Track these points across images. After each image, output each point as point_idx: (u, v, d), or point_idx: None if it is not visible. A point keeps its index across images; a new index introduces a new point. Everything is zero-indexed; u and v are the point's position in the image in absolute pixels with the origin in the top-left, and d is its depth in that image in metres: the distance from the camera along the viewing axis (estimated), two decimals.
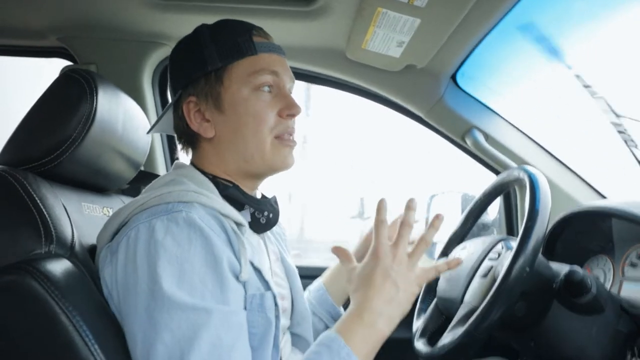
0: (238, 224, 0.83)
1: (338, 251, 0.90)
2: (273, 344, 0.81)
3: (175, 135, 0.96)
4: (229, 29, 0.90)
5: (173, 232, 0.74)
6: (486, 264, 1.00)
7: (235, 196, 0.88)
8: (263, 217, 0.90)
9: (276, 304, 0.83)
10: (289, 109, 0.89)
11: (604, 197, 1.48)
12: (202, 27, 0.92)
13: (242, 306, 0.77)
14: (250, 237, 0.88)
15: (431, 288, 1.23)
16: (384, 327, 0.78)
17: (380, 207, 0.86)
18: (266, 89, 0.88)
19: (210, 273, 0.74)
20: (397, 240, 0.83)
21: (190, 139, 0.92)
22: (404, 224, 0.84)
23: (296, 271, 1.01)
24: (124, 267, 0.75)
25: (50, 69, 1.66)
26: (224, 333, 0.70)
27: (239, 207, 0.88)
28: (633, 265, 1.02)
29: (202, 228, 0.75)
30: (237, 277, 0.77)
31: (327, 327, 1.11)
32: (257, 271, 0.83)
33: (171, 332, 0.68)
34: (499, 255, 1.00)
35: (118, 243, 0.77)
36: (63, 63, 1.57)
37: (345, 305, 1.14)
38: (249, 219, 0.89)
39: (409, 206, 0.86)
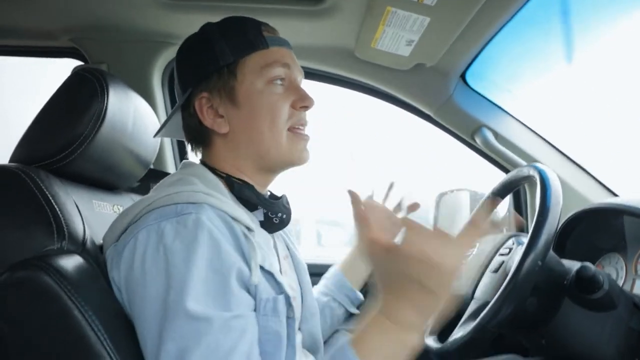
0: (248, 228, 0.82)
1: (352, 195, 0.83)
2: (289, 344, 0.80)
3: (185, 137, 0.95)
4: (238, 25, 0.91)
5: (182, 235, 0.73)
6: (497, 259, 1.00)
7: (249, 198, 0.87)
8: (276, 217, 0.90)
9: (290, 305, 0.82)
10: (302, 101, 0.89)
11: (616, 195, 1.46)
12: (209, 24, 0.92)
13: (248, 310, 0.75)
14: (259, 237, 0.86)
15: None
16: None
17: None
18: (279, 82, 0.88)
19: (214, 277, 0.72)
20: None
21: (203, 137, 0.91)
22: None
23: (305, 267, 1.01)
24: (131, 270, 0.74)
25: (54, 69, 1.67)
26: (223, 338, 0.69)
27: (252, 207, 0.88)
28: None
29: (211, 230, 0.74)
30: (245, 282, 0.76)
31: (346, 312, 1.14)
32: (269, 274, 0.82)
33: (175, 342, 0.68)
34: (510, 250, 0.99)
35: (125, 244, 0.76)
36: (70, 63, 1.59)
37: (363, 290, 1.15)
38: (262, 219, 0.89)
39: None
